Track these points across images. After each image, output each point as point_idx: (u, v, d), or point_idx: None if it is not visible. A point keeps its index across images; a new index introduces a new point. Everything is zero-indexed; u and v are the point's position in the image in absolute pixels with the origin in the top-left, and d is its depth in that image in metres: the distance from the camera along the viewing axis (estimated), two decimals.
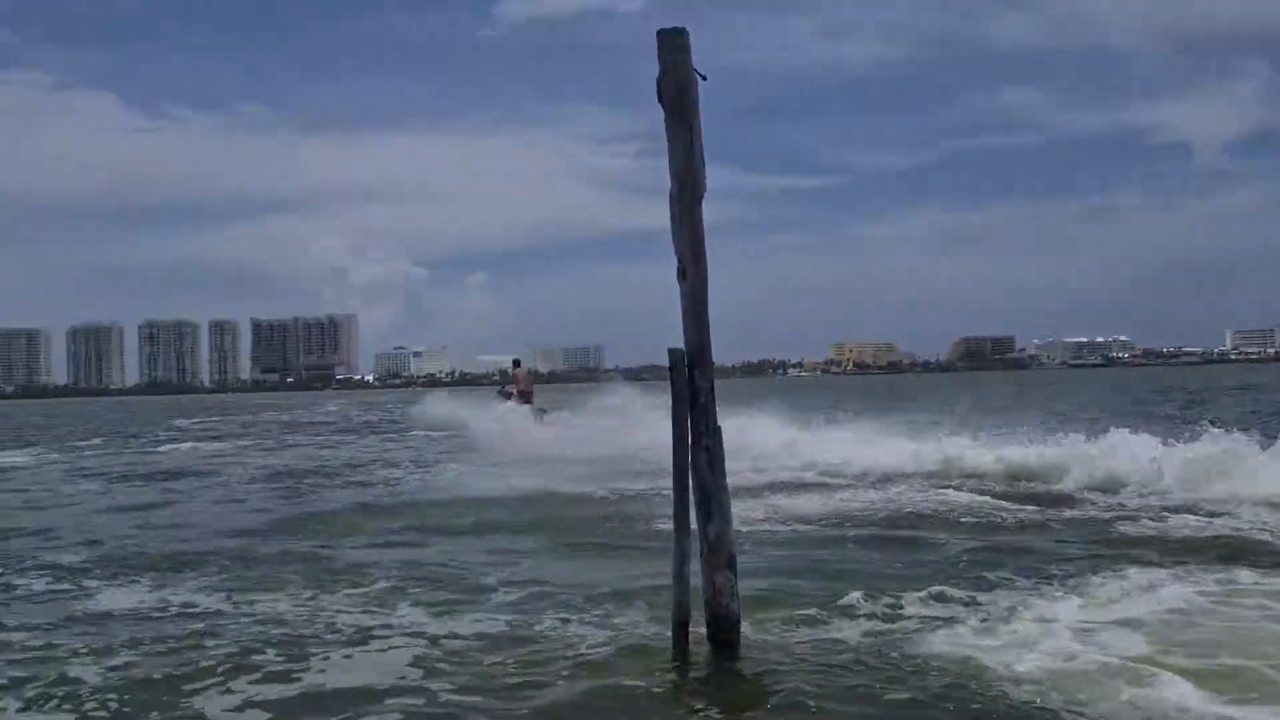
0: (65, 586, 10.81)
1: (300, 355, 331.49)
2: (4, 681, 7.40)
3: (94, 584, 10.84)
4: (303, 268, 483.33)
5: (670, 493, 7.47)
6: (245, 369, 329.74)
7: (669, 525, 13.63)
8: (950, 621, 8.38)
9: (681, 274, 7.36)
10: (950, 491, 16.89)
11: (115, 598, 10.18)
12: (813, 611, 8.74)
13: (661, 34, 7.26)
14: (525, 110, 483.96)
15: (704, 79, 7.42)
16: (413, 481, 20.86)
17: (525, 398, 31.79)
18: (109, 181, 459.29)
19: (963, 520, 13.85)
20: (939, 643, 7.76)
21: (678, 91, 7.25)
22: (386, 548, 12.95)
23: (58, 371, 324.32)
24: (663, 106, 7.37)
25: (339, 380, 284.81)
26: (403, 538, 13.76)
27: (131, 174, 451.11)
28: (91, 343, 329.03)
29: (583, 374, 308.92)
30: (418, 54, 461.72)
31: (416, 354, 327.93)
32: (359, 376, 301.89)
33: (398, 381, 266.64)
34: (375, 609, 9.37)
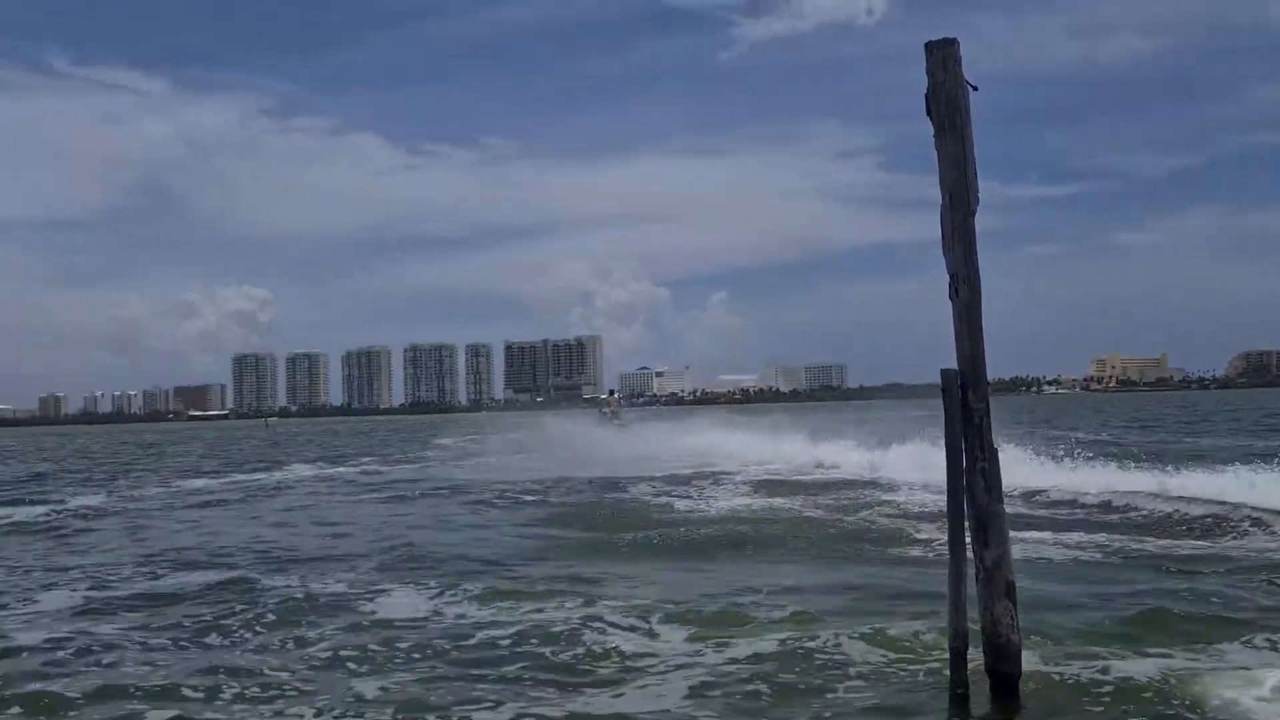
0: (352, 593, 11.60)
1: (549, 375, 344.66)
2: (293, 693, 7.92)
3: (375, 594, 11.52)
4: (551, 291, 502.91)
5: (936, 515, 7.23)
6: (499, 389, 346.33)
7: (920, 545, 13.52)
8: (1252, 678, 7.44)
9: (954, 291, 7.11)
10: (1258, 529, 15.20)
11: (394, 608, 10.77)
12: (1097, 648, 8.22)
13: (930, 46, 7.06)
14: (764, 128, 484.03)
15: (975, 89, 7.17)
16: (656, 501, 21.23)
17: (616, 415, 49.11)
18: (376, 215, 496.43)
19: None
20: (1240, 697, 7.03)
21: (948, 104, 7.04)
22: (643, 564, 13.21)
23: (334, 392, 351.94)
24: (931, 120, 7.16)
25: (585, 399, 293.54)
26: (656, 554, 14.01)
27: (396, 208, 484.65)
28: (362, 365, 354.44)
29: (824, 392, 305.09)
30: (657, 80, 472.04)
31: (659, 374, 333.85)
32: (604, 396, 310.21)
33: (641, 401, 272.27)
34: (640, 625, 9.52)
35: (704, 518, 18.02)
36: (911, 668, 7.76)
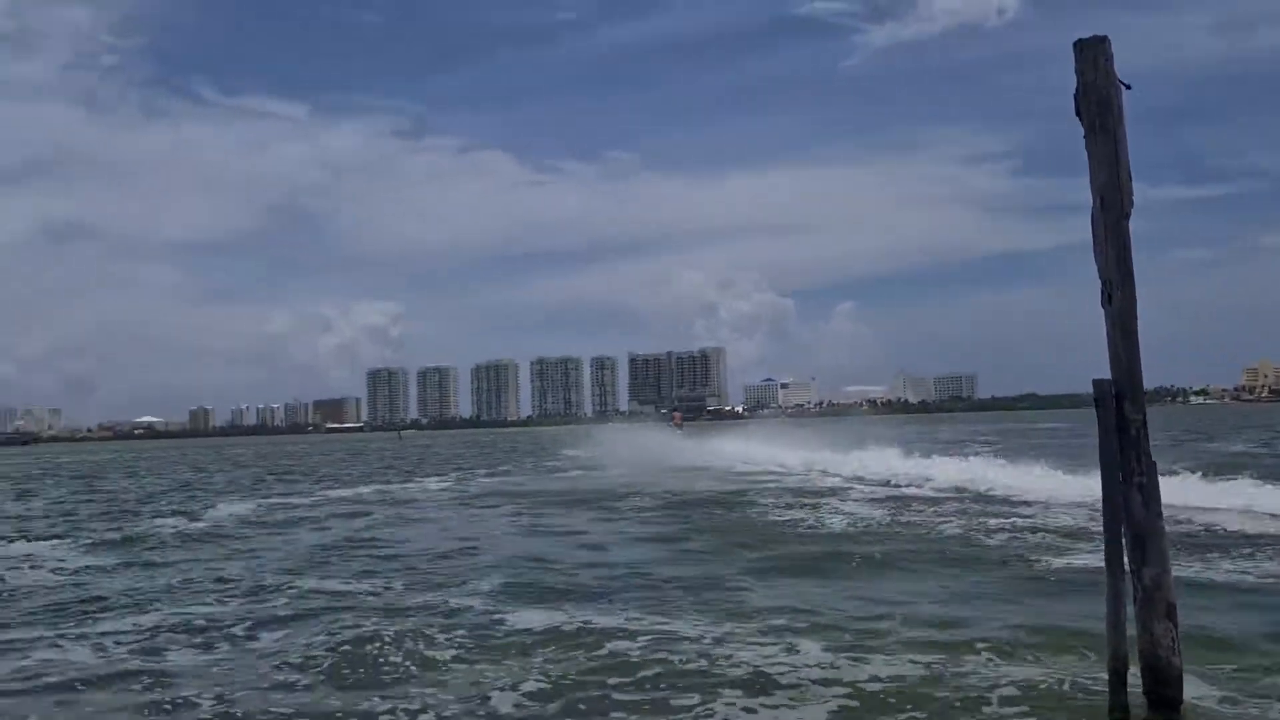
0: (486, 606, 11.70)
1: (673, 387, 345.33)
2: (433, 703, 8.06)
3: (507, 607, 11.62)
4: (675, 303, 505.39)
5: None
6: (623, 401, 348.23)
7: (1067, 563, 12.99)
8: None
9: (1107, 298, 6.84)
10: None
11: (530, 620, 10.83)
12: (1272, 679, 7.74)
13: (1080, 44, 6.83)
14: (890, 136, 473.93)
15: (1128, 88, 6.90)
16: (781, 515, 20.98)
17: (679, 426, 75.23)
18: (504, 231, 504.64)
19: None
20: None
21: (1100, 103, 6.79)
22: (774, 577, 13.05)
23: (464, 404, 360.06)
24: (1081, 120, 6.93)
25: (710, 411, 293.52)
26: (787, 567, 13.83)
27: (523, 223, 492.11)
28: (491, 378, 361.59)
29: (954, 403, 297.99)
30: (780, 91, 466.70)
31: (784, 385, 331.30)
32: (729, 407, 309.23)
33: (766, 412, 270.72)
34: (775, 643, 9.35)
35: (832, 532, 17.78)
36: (1066, 690, 7.45)
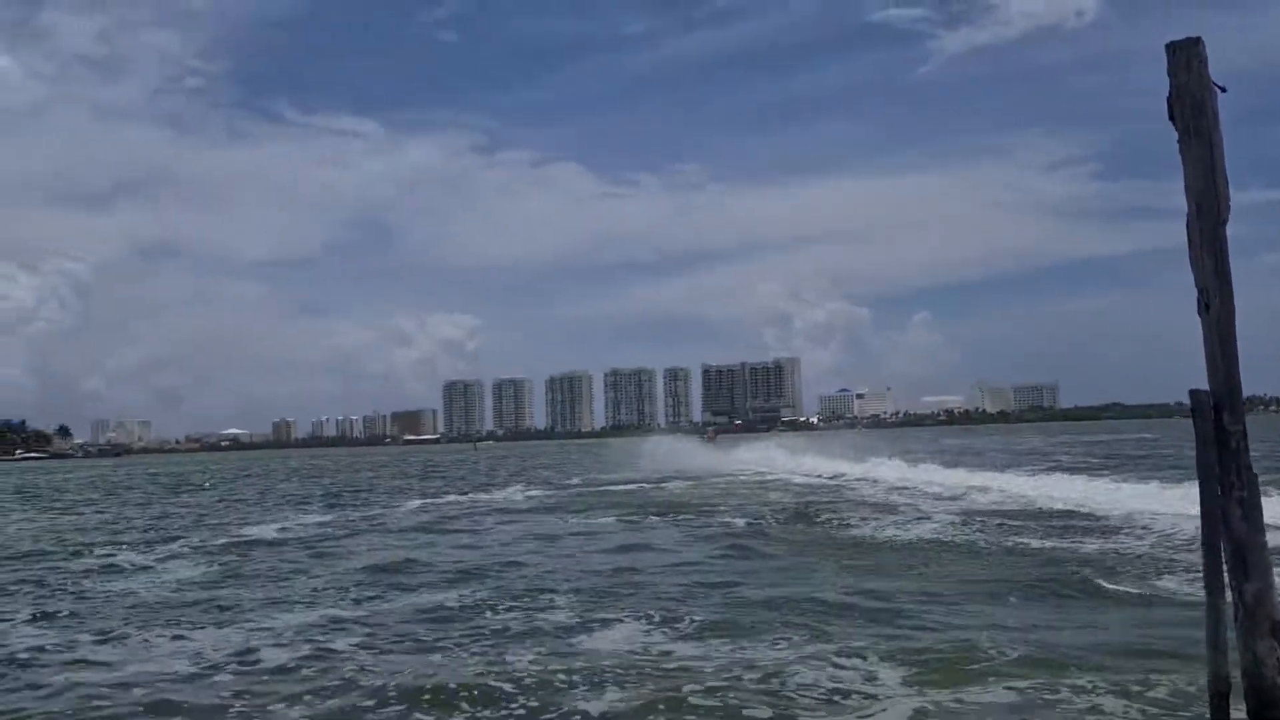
0: (570, 621, 11.73)
1: (747, 398, 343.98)
2: (521, 712, 8.13)
3: (588, 621, 11.64)
4: (748, 314, 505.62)
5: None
6: (697, 412, 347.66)
7: (1163, 582, 12.62)
8: None
9: (1203, 306, 6.64)
10: None
11: (607, 634, 10.85)
12: None
13: (1173, 46, 6.64)
14: (966, 142, 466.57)
15: (1223, 90, 6.71)
16: (855, 529, 20.75)
17: (712, 441, 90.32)
18: (577, 243, 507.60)
19: None
20: None
21: (1193, 107, 6.60)
22: (851, 594, 12.83)
23: (538, 416, 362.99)
24: (1174, 125, 6.74)
25: (784, 422, 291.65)
26: (864, 584, 13.62)
27: (596, 235, 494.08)
28: (565, 390, 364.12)
29: (1034, 413, 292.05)
30: (854, 98, 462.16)
31: (860, 395, 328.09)
32: (804, 418, 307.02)
33: (841, 423, 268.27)
34: (850, 665, 9.16)
35: (910, 548, 17.42)
36: (1166, 717, 7.20)
